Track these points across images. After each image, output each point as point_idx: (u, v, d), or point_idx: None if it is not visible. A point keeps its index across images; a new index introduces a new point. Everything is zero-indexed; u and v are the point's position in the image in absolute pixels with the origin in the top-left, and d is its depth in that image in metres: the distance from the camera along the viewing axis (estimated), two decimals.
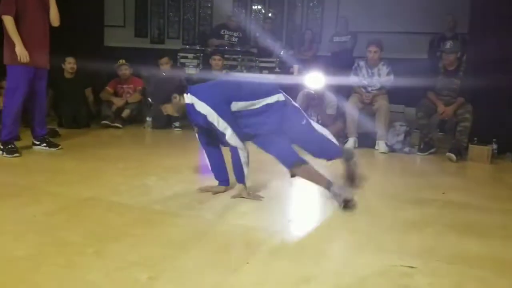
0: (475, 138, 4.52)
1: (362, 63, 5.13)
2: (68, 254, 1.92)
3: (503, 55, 4.52)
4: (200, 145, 2.96)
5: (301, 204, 3.00)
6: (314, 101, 5.02)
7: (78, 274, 1.75)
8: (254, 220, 2.49)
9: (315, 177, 2.68)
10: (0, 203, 2.56)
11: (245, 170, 2.78)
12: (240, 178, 2.81)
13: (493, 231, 2.50)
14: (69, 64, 5.63)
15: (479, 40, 4.83)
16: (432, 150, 4.74)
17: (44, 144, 4.07)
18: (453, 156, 4.40)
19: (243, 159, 2.74)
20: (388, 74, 5.01)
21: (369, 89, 5.05)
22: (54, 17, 3.86)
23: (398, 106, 6.00)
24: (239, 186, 2.83)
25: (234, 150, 2.72)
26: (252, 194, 2.84)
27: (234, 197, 2.80)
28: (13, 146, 3.77)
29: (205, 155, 2.95)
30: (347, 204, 2.54)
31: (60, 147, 4.12)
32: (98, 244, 2.03)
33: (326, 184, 2.62)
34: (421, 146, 4.75)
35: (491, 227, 2.56)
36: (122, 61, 5.95)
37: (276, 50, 6.96)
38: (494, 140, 4.57)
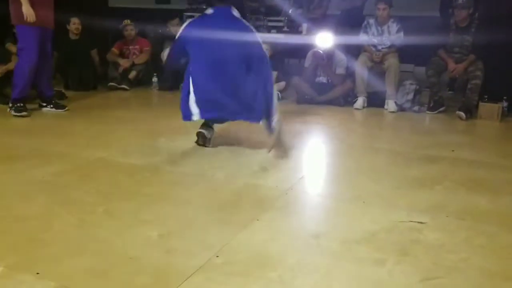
0: (486, 96, 4.45)
1: (371, 20, 5.01)
2: (79, 213, 1.94)
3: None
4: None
5: (310, 162, 3.00)
6: (323, 61, 4.93)
7: (89, 232, 1.78)
8: (265, 179, 2.49)
9: None
10: (9, 165, 2.58)
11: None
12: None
13: (502, 187, 2.49)
14: (74, 25, 5.55)
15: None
16: (442, 109, 4.67)
17: (51, 106, 4.07)
18: (462, 114, 4.34)
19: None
20: (398, 31, 4.88)
21: (379, 47, 4.95)
22: None
23: (408, 65, 5.90)
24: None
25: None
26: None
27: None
28: (22, 104, 3.78)
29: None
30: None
31: (67, 108, 4.13)
32: (109, 203, 2.06)
33: None
34: (431, 105, 4.69)
35: (500, 183, 2.55)
36: (127, 21, 5.86)
37: (284, 9, 6.81)
38: (505, 98, 4.49)
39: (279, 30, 6.15)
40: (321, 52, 4.88)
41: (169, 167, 2.63)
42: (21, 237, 1.73)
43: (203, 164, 2.70)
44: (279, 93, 5.24)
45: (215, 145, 3.01)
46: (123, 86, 5.57)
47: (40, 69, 3.93)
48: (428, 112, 4.65)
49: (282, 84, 5.30)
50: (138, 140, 3.20)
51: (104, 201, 2.08)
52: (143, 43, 5.96)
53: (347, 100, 4.98)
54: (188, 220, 1.91)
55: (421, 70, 5.20)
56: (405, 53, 5.03)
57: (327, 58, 4.91)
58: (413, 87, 4.80)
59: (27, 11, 3.58)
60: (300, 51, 5.65)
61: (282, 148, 2.89)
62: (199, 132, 2.98)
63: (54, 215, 1.93)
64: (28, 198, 2.11)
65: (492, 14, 4.50)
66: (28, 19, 3.60)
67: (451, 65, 4.57)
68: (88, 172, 2.52)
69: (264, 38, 5.44)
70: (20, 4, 3.58)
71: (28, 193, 2.18)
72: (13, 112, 3.72)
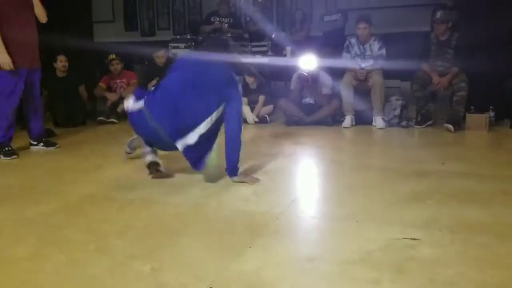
0: (472, 107, 4.51)
1: (353, 40, 5.09)
2: (70, 251, 1.92)
3: (494, 22, 4.49)
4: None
5: (301, 184, 3.00)
6: (308, 83, 4.99)
7: (80, 270, 1.75)
8: (257, 204, 2.48)
9: None
10: (0, 206, 2.55)
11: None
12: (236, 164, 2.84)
13: (494, 197, 2.49)
14: (61, 62, 5.58)
15: (469, 9, 4.80)
16: (429, 122, 4.72)
17: (42, 144, 4.06)
18: (451, 126, 4.39)
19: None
20: (379, 49, 4.97)
21: (363, 65, 5.02)
22: (40, 13, 3.81)
23: (394, 81, 5.98)
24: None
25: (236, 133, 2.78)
26: (250, 177, 2.87)
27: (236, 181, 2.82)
28: (10, 148, 3.75)
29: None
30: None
31: (58, 145, 4.11)
32: (100, 239, 2.03)
33: None
34: (418, 119, 4.74)
35: (492, 194, 2.56)
36: (112, 56, 5.90)
37: (267, 33, 6.91)
38: (491, 108, 4.55)
39: (263, 54, 6.23)
40: (305, 74, 4.95)
41: (160, 198, 2.61)
42: (13, 280, 1.70)
43: (195, 193, 2.69)
44: (267, 116, 5.29)
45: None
46: (111, 120, 5.57)
47: (28, 109, 3.93)
48: (416, 126, 4.70)
49: (270, 107, 5.34)
50: (128, 174, 3.18)
51: (96, 237, 2.06)
52: (130, 76, 6.00)
53: (335, 119, 5.02)
54: (181, 251, 1.89)
55: (407, 85, 5.27)
56: (390, 69, 5.11)
57: (312, 79, 4.97)
58: (399, 102, 4.85)
59: (3, 60, 3.58)
60: (286, 74, 5.72)
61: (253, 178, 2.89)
62: (151, 162, 2.91)
63: (46, 255, 1.90)
64: (19, 239, 2.08)
65: (472, 26, 4.61)
66: (4, 67, 3.60)
67: (435, 78, 4.64)
68: (79, 208, 2.49)
69: (250, 62, 5.58)
70: None
71: (19, 233, 2.15)
72: (2, 157, 3.70)
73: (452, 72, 4.57)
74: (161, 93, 2.80)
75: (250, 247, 1.90)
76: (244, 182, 2.81)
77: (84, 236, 2.09)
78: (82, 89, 5.81)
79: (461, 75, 4.53)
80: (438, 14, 4.67)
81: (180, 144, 2.70)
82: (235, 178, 2.82)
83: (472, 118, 4.46)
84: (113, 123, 5.56)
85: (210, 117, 2.73)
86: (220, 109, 2.77)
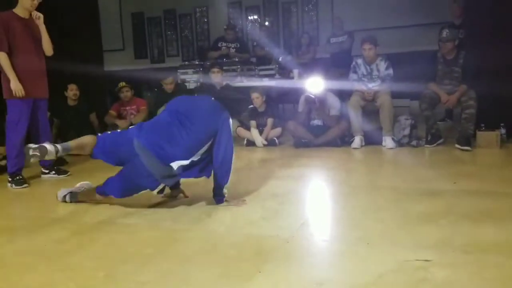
0: (482, 125, 4.47)
1: (360, 61, 5.11)
2: (80, 279, 1.91)
3: (502, 37, 4.50)
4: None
5: (311, 206, 2.97)
6: (315, 105, 5.00)
7: None
8: (265, 228, 2.46)
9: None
10: (10, 236, 2.56)
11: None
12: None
13: (508, 215, 2.45)
14: (72, 91, 5.68)
15: (476, 24, 4.82)
16: (440, 141, 4.68)
17: (53, 172, 4.10)
18: (465, 147, 4.34)
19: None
20: (387, 68, 4.97)
21: (370, 86, 5.02)
22: (47, 46, 3.90)
23: (403, 100, 5.97)
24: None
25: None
26: (236, 200, 2.91)
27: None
28: (21, 177, 3.79)
29: None
30: None
31: (69, 173, 4.15)
32: (110, 267, 2.03)
33: None
34: (428, 138, 4.70)
35: (505, 212, 2.51)
36: (122, 83, 5.99)
37: (274, 57, 6.99)
38: (502, 124, 4.51)
39: (271, 77, 6.29)
40: (312, 96, 4.96)
41: (169, 224, 2.61)
42: None
43: (203, 218, 2.68)
44: (276, 139, 5.29)
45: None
46: None
47: (36, 138, 3.98)
48: (426, 145, 4.66)
49: (278, 130, 5.35)
50: (137, 200, 3.18)
51: (105, 265, 2.05)
52: (140, 103, 6.06)
53: (344, 140, 5.01)
54: (189, 278, 1.87)
55: (416, 104, 5.26)
56: (399, 89, 5.11)
57: (319, 101, 4.97)
58: (409, 122, 4.83)
59: (16, 87, 3.67)
60: (293, 96, 5.75)
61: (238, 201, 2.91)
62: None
63: (56, 283, 1.89)
64: (29, 268, 2.08)
65: (479, 43, 4.62)
66: (17, 94, 3.68)
67: (444, 97, 4.62)
68: (89, 236, 2.49)
69: (257, 85, 5.63)
70: (9, 80, 3.67)
71: (30, 262, 2.15)
72: (14, 186, 3.73)
73: (460, 89, 4.55)
74: (151, 122, 2.93)
75: (259, 272, 1.87)
76: (230, 205, 2.85)
77: (93, 263, 2.09)
78: (93, 117, 5.89)
79: (470, 93, 4.50)
80: (444, 33, 4.68)
81: (175, 164, 2.74)
82: (221, 204, 2.86)
83: (483, 136, 4.42)
84: None
85: (198, 152, 2.80)
86: (208, 144, 2.81)
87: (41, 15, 3.83)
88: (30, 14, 3.81)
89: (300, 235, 2.33)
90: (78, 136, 5.46)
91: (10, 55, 3.70)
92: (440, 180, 3.29)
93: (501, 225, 2.29)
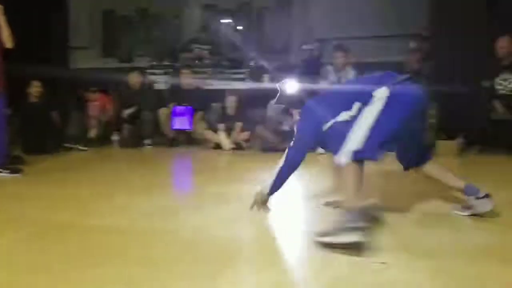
0: (443, 134, 4.60)
1: (330, 68, 5.18)
2: (49, 281, 1.83)
3: (464, 51, 4.64)
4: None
5: (276, 209, 2.96)
6: (285, 109, 5.02)
7: None
8: (230, 230, 2.44)
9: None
10: None
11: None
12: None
13: (464, 222, 2.51)
14: (35, 88, 5.52)
15: (439, 37, 4.95)
16: None
17: (8, 171, 3.94)
18: None
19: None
20: (354, 77, 5.05)
21: None
22: (6, 38, 3.76)
23: None
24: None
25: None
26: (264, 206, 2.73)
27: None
28: None
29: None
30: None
31: (22, 172, 3.99)
32: (78, 269, 1.95)
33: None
34: None
35: (461, 218, 2.56)
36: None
37: (246, 61, 7.00)
38: (462, 134, 4.64)
39: (242, 81, 6.29)
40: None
41: (133, 226, 2.55)
42: None
43: (169, 220, 2.64)
44: (243, 142, 5.28)
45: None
46: (77, 146, 5.52)
47: None
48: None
49: (247, 133, 5.34)
50: (102, 201, 3.10)
51: (73, 267, 1.97)
52: (104, 100, 6.02)
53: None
54: (151, 278, 1.83)
55: None
56: None
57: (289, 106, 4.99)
58: None
59: None
60: (263, 100, 5.76)
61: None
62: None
63: (22, 284, 1.81)
64: None
65: (442, 54, 4.75)
66: None
67: None
68: (56, 237, 2.39)
69: (230, 89, 5.62)
70: None
71: None
72: None
73: None
74: None
75: (222, 273, 1.85)
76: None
77: (62, 265, 2.00)
78: (55, 115, 5.73)
79: (431, 103, 4.61)
80: (411, 43, 4.79)
81: None
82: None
83: (443, 144, 4.53)
84: (80, 150, 5.49)
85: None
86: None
87: (1, 6, 3.70)
88: None
89: (265, 238, 2.32)
90: (39, 134, 5.35)
91: None
92: (398, 186, 3.34)
93: (456, 231, 2.34)
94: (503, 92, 4.71)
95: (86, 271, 1.93)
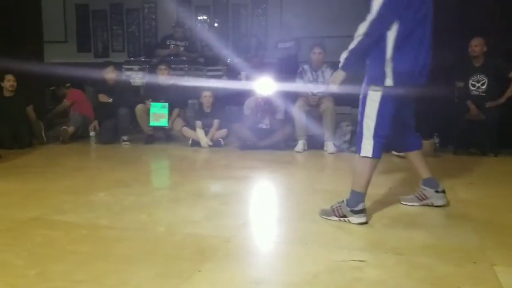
0: (418, 133, 4.68)
1: (306, 66, 5.23)
2: (9, 277, 1.82)
3: (438, 52, 4.73)
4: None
5: (252, 207, 3.00)
6: (262, 107, 5.06)
7: None
8: (206, 227, 2.46)
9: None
10: None
11: None
12: None
13: (437, 220, 2.60)
14: (9, 82, 5.39)
15: None
16: None
17: None
18: (401, 154, 4.52)
19: None
20: (331, 75, 5.11)
21: (315, 91, 5.14)
22: None
23: (345, 108, 6.14)
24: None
25: None
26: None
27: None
28: None
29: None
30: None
31: None
32: (42, 265, 1.95)
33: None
34: None
35: (435, 216, 2.66)
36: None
37: (223, 58, 7.00)
38: (436, 134, 4.76)
39: (218, 78, 6.29)
40: (259, 98, 5.02)
41: (107, 222, 2.54)
42: None
43: (143, 217, 2.64)
44: (221, 140, 5.30)
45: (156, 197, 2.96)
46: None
47: None
48: None
49: (224, 131, 5.36)
50: (75, 197, 3.08)
51: (37, 263, 1.97)
52: (74, 95, 5.98)
53: (288, 144, 5.09)
54: (126, 277, 1.83)
55: (358, 111, 5.42)
56: (342, 96, 5.25)
57: (266, 104, 5.04)
58: (349, 128, 4.99)
59: None
60: (240, 98, 5.78)
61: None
62: None
63: None
64: None
65: None
66: None
67: None
68: (21, 233, 2.38)
69: (205, 86, 5.62)
70: None
71: None
72: None
73: None
74: None
75: (199, 271, 1.87)
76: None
77: (25, 261, 2.00)
78: (30, 110, 5.62)
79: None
80: None
81: None
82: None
83: None
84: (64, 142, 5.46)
85: None
86: None
87: None
88: None
89: (241, 235, 2.35)
90: (13, 129, 5.24)
91: None
92: (375, 185, 3.41)
93: (429, 229, 2.42)
94: (476, 93, 4.85)
95: (51, 267, 1.93)
